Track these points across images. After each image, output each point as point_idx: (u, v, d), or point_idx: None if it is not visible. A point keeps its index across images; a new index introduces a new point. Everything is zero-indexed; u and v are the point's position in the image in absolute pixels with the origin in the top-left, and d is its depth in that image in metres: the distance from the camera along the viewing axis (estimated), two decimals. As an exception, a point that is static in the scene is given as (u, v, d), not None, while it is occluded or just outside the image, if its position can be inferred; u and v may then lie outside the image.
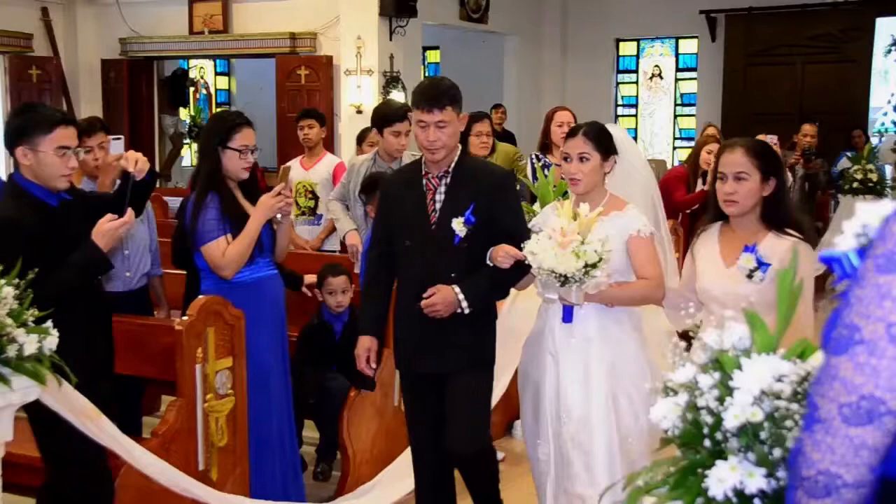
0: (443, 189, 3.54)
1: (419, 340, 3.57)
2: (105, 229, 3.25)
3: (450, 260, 3.49)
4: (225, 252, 3.76)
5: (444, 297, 3.45)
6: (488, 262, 3.43)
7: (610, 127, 3.62)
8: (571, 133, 3.54)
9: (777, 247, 3.08)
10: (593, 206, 3.34)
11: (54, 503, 3.47)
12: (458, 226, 3.45)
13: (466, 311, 3.46)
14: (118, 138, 4.34)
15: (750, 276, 3.07)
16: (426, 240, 3.52)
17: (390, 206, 3.67)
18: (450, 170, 3.54)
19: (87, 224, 3.29)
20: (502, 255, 3.36)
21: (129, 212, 3.32)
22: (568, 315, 3.40)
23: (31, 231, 3.14)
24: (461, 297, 3.45)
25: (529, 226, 3.57)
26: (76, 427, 2.93)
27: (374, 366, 3.68)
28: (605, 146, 3.48)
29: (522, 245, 3.25)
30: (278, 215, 3.89)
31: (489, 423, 3.73)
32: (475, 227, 3.46)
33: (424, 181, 3.57)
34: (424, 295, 3.46)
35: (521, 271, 3.42)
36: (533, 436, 3.56)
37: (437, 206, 3.53)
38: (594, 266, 3.14)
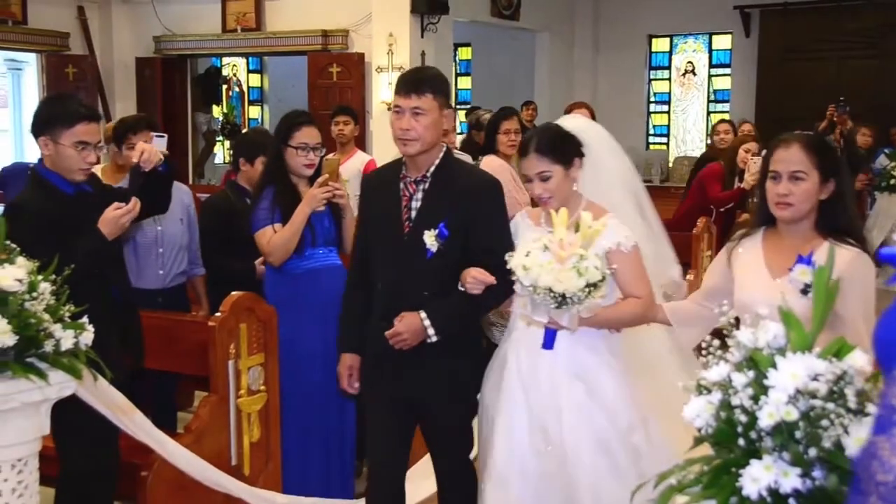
0: (419, 196, 3.15)
1: (387, 362, 3.21)
2: (109, 217, 3.33)
3: (421, 276, 3.11)
4: (270, 240, 3.86)
5: (409, 325, 3.08)
6: (460, 286, 3.05)
7: (566, 122, 3.22)
8: (523, 150, 3.10)
9: (836, 258, 2.76)
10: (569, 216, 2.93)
11: (69, 491, 3.52)
12: (431, 239, 3.08)
13: (433, 338, 3.09)
14: (161, 136, 4.37)
15: (805, 292, 2.60)
16: (397, 251, 3.15)
17: (367, 209, 3.35)
18: (428, 174, 3.15)
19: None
20: (470, 280, 2.99)
21: (133, 201, 3.38)
22: (550, 341, 2.97)
23: (44, 218, 3.22)
24: (427, 323, 3.07)
25: None
26: (83, 414, 2.94)
27: (356, 385, 3.36)
28: (565, 152, 3.06)
29: (507, 258, 2.85)
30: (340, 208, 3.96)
31: (469, 452, 3.39)
32: (450, 241, 3.08)
33: (401, 185, 3.19)
34: (388, 333, 3.11)
35: (498, 294, 3.07)
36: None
37: (412, 214, 3.14)
38: (596, 286, 2.74)
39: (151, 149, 3.53)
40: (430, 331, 3.09)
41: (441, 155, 3.18)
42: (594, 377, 3.02)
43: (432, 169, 3.16)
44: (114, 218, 3.33)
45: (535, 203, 3.27)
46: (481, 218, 3.13)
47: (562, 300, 2.73)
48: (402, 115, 3.09)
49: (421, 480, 4.34)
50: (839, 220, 2.75)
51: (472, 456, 3.43)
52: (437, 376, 3.17)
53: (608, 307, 2.96)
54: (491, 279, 2.96)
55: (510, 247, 3.10)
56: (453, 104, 6.11)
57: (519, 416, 3.05)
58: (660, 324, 3.19)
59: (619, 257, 2.97)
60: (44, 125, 3.36)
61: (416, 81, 3.11)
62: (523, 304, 2.91)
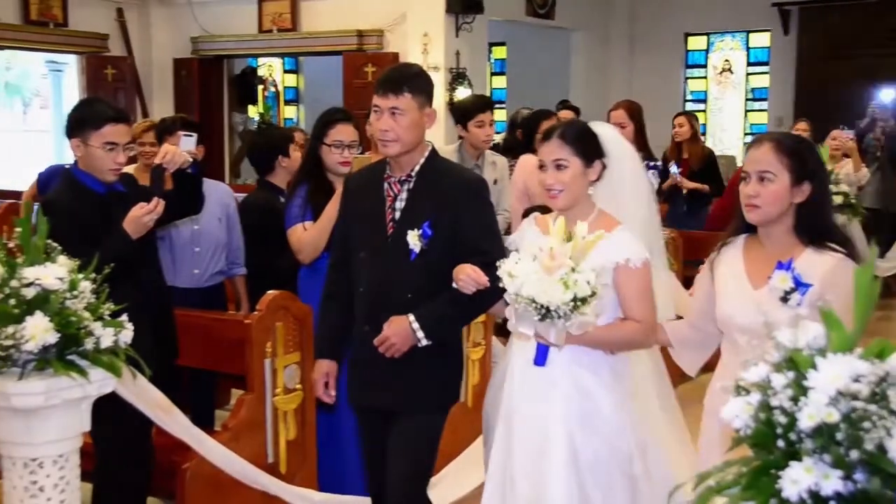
0: (404, 196, 3.07)
1: (370, 370, 3.10)
2: (132, 217, 3.40)
3: (405, 278, 3.02)
4: (300, 237, 3.91)
5: (398, 330, 2.97)
6: (453, 283, 2.90)
7: (597, 126, 3.04)
8: (546, 135, 2.93)
9: (818, 264, 2.53)
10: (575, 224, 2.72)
11: (105, 485, 3.57)
12: (414, 239, 2.99)
13: (423, 342, 2.98)
14: (189, 135, 4.39)
15: (785, 300, 2.48)
16: (380, 253, 3.06)
17: (348, 210, 3.24)
18: (413, 174, 3.07)
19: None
20: (463, 277, 2.83)
21: (155, 201, 3.43)
22: (541, 357, 2.77)
23: (74, 215, 3.29)
24: (416, 326, 2.96)
25: (507, 243, 3.09)
26: (120, 411, 2.97)
27: (332, 393, 3.23)
28: (588, 149, 2.89)
29: (498, 264, 2.68)
30: None
31: (428, 475, 3.24)
32: (433, 241, 2.99)
33: (385, 185, 3.10)
34: (376, 341, 3.00)
35: (490, 296, 2.88)
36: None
37: (396, 214, 3.06)
38: (584, 301, 2.55)
39: (175, 150, 3.57)
40: (420, 334, 2.97)
41: (426, 154, 3.10)
42: (592, 400, 2.81)
43: (417, 168, 3.08)
44: (136, 217, 3.39)
45: (546, 209, 3.11)
46: (467, 217, 3.03)
47: (545, 313, 2.56)
48: (380, 114, 3.00)
49: (464, 476, 4.33)
50: (816, 224, 2.60)
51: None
52: (415, 385, 3.07)
53: (603, 326, 2.76)
54: (485, 280, 2.81)
55: (499, 246, 3.02)
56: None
57: (508, 437, 2.89)
58: (661, 344, 3.03)
59: (626, 274, 2.79)
60: (74, 128, 3.47)
61: (395, 81, 3.02)
62: (509, 314, 2.74)
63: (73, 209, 3.34)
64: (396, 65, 3.13)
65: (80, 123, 3.46)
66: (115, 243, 3.35)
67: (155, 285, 3.71)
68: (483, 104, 5.26)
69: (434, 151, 3.16)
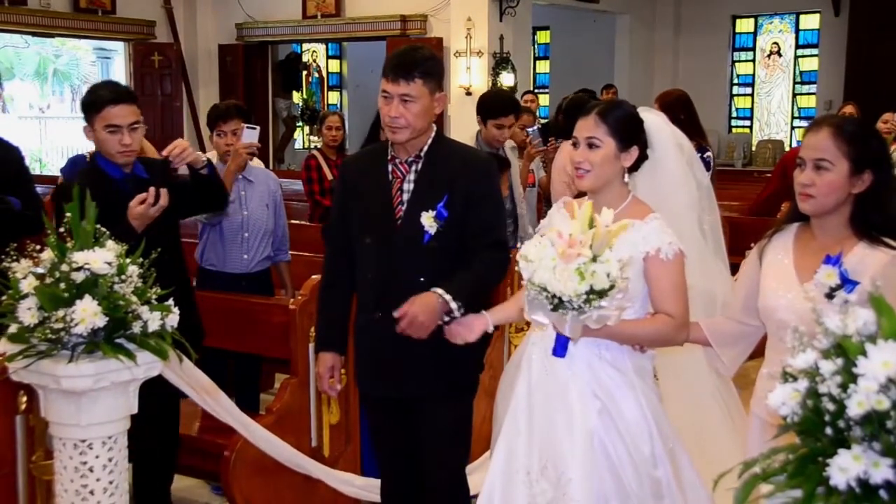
0: (412, 177, 2.96)
1: (380, 359, 3.02)
2: (135, 212, 3.30)
3: (418, 262, 2.91)
4: None
5: (424, 306, 2.81)
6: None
7: (644, 111, 2.82)
8: (586, 111, 2.74)
9: (870, 260, 2.38)
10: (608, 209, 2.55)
11: (143, 463, 3.62)
12: (428, 221, 2.89)
13: (458, 312, 2.83)
14: (252, 128, 4.39)
15: (830, 297, 2.30)
16: (390, 237, 2.95)
17: (348, 196, 3.09)
18: (422, 154, 2.97)
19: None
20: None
21: (152, 191, 3.32)
22: (561, 347, 2.58)
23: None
24: (441, 292, 2.83)
25: (536, 229, 2.96)
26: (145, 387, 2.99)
27: (338, 386, 3.15)
28: (625, 132, 2.68)
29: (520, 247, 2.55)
30: None
31: (466, 459, 3.19)
32: (448, 222, 2.90)
33: (390, 167, 2.99)
34: (397, 313, 2.83)
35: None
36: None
37: (405, 196, 2.95)
38: (601, 295, 2.34)
39: (185, 145, 3.48)
40: (453, 304, 2.83)
41: (433, 135, 3.01)
42: (613, 398, 2.62)
43: (425, 149, 2.98)
44: (135, 210, 3.31)
45: (580, 194, 2.95)
46: (477, 196, 2.95)
47: (558, 303, 2.37)
48: (390, 101, 2.90)
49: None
50: (875, 217, 2.42)
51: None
52: (434, 372, 2.96)
53: (632, 320, 2.61)
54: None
55: (503, 228, 3.10)
56: (532, 87, 6.03)
57: (520, 436, 2.70)
58: (696, 344, 2.82)
59: (657, 265, 2.61)
60: (84, 114, 3.44)
61: (406, 66, 2.88)
62: (523, 301, 2.58)
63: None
64: (406, 48, 3.03)
65: (86, 109, 3.42)
66: (119, 234, 3.33)
67: (175, 274, 3.66)
68: (507, 107, 4.98)
69: (440, 132, 3.06)
